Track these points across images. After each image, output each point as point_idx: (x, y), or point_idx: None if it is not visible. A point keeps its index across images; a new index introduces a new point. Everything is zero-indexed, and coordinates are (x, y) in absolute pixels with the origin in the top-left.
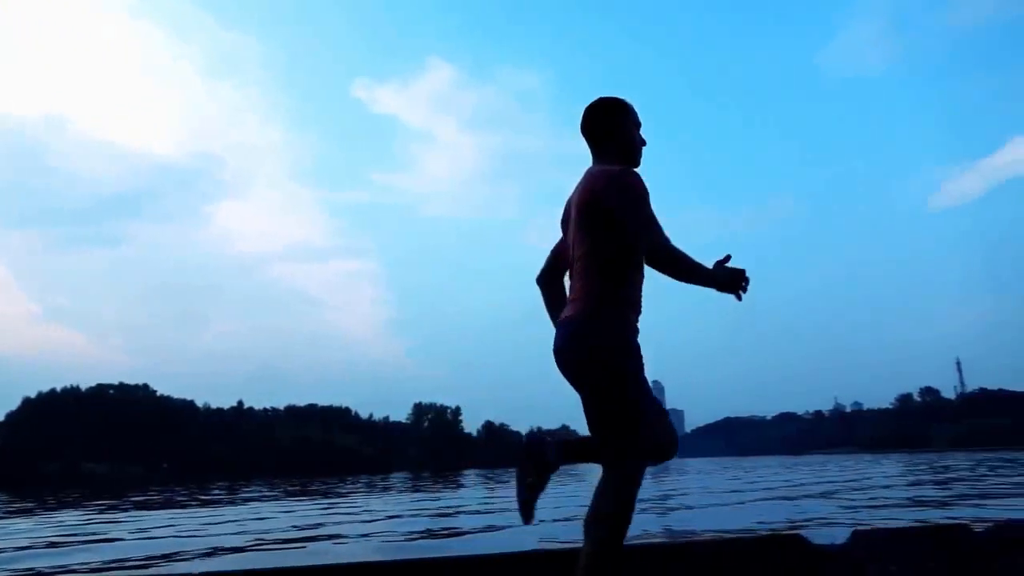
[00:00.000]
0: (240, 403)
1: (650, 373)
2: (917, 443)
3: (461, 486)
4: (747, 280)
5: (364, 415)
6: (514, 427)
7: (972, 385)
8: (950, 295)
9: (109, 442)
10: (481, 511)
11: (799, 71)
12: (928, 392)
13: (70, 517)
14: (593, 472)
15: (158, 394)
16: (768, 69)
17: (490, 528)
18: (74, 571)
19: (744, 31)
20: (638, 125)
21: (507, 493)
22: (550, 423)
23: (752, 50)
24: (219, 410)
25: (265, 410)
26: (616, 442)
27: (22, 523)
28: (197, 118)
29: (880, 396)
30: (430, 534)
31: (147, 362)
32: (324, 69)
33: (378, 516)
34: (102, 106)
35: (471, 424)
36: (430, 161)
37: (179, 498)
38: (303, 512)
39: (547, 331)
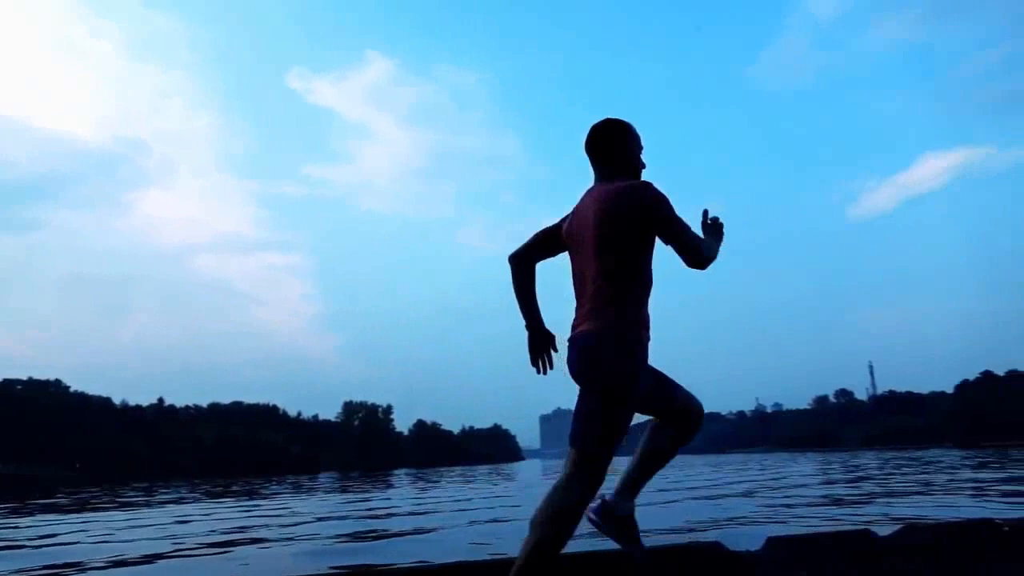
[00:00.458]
0: (161, 400)
1: None
2: (831, 442)
3: (391, 486)
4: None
5: (292, 413)
6: (446, 426)
7: (883, 387)
8: (865, 301)
9: (16, 441)
10: (414, 513)
11: (729, 82)
12: (842, 394)
13: None
14: (529, 472)
15: (72, 390)
16: (699, 79)
17: (419, 531)
18: None
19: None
20: (641, 148)
21: (437, 494)
22: (481, 422)
23: (684, 59)
24: (138, 407)
25: (187, 408)
26: (591, 448)
27: None
28: (119, 101)
29: (799, 397)
30: (352, 537)
31: (60, 356)
32: (257, 56)
33: (304, 518)
34: (12, 83)
35: (403, 423)
36: (365, 156)
37: (93, 500)
38: (225, 514)
39: (481, 331)
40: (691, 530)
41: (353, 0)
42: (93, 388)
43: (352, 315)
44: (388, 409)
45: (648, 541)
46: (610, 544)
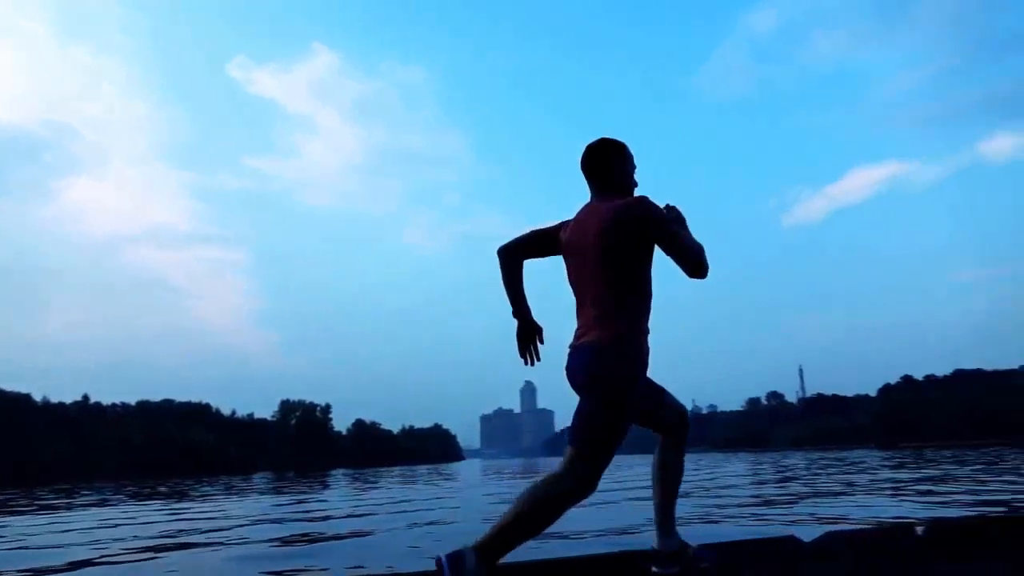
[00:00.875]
0: (86, 397)
1: (527, 374)
2: (763, 443)
3: (327, 487)
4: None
5: (226, 412)
6: (386, 425)
7: (812, 390)
8: (797, 306)
9: None
10: (351, 515)
11: (671, 91)
12: (774, 396)
13: None
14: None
15: None
16: (643, 86)
17: (356, 534)
18: None
19: (622, 48)
20: (634, 167)
21: (376, 495)
22: (422, 421)
23: (630, 65)
24: (61, 404)
25: (114, 405)
26: (587, 448)
27: None
28: (46, 83)
29: (733, 399)
30: (284, 542)
31: None
32: (197, 43)
33: (236, 521)
34: None
35: (342, 422)
36: (308, 149)
37: (10, 503)
38: (152, 517)
39: (420, 331)
40: (624, 532)
41: None
42: (11, 384)
43: (292, 313)
44: (326, 408)
45: (583, 544)
46: (614, 547)
